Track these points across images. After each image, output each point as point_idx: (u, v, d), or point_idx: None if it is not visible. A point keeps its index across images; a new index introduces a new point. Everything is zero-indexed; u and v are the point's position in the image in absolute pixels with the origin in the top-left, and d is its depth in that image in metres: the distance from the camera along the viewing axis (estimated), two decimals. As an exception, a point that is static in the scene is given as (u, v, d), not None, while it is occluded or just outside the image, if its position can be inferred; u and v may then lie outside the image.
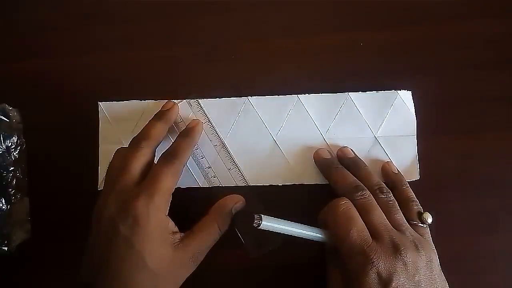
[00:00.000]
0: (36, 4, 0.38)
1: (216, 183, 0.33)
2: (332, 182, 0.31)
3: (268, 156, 0.34)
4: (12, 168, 0.34)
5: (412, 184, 0.32)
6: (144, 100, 0.34)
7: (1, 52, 0.37)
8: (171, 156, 0.29)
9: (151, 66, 0.36)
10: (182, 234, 0.28)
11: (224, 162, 0.33)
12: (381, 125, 0.34)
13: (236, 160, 0.33)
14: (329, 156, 0.33)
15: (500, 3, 0.36)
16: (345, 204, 0.28)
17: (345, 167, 0.32)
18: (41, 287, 0.34)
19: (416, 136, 0.34)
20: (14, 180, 0.34)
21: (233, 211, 0.30)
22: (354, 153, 0.33)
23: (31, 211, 0.35)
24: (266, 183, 0.33)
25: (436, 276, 0.27)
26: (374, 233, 0.27)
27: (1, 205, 0.33)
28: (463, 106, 0.35)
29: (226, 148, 0.34)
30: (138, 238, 0.26)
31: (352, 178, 0.31)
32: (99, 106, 0.34)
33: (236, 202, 0.30)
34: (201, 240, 0.28)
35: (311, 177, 0.33)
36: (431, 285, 0.26)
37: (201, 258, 0.28)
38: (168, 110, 0.32)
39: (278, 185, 0.33)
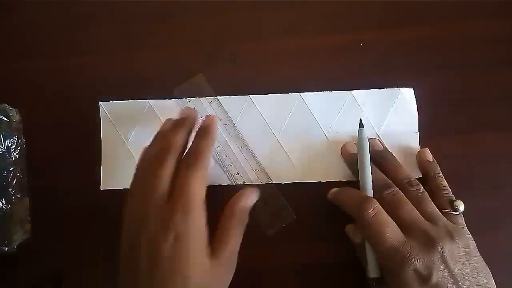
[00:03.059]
0: (36, 4, 0.38)
1: (239, 180, 0.33)
2: (340, 201, 0.31)
3: (272, 153, 0.34)
4: (12, 168, 0.34)
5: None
6: (145, 99, 0.34)
7: (1, 52, 0.37)
8: (194, 159, 0.28)
9: (151, 66, 0.36)
10: (211, 241, 0.27)
11: (247, 160, 0.34)
12: (384, 123, 0.34)
13: (258, 159, 0.34)
14: (356, 151, 0.32)
15: (500, 3, 0.36)
16: (374, 209, 0.28)
17: (372, 160, 0.31)
18: (41, 287, 0.34)
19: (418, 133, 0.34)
20: (14, 180, 0.34)
21: (250, 205, 0.29)
22: (383, 144, 0.33)
23: (31, 211, 0.35)
24: (268, 180, 0.33)
25: (476, 262, 0.27)
26: (407, 230, 0.27)
27: (1, 205, 0.33)
28: (463, 106, 0.35)
29: (247, 147, 0.34)
30: (181, 257, 0.25)
31: (380, 175, 0.30)
32: (100, 106, 0.34)
33: (249, 197, 0.30)
34: (228, 243, 0.28)
35: (315, 175, 0.33)
36: (472, 273, 0.26)
37: (235, 260, 0.28)
38: (187, 116, 0.31)
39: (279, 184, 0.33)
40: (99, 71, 0.36)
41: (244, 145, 0.33)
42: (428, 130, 0.34)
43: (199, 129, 0.30)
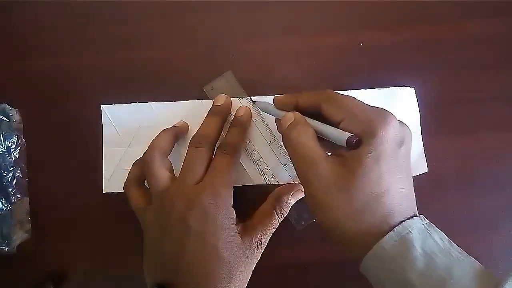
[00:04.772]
0: (36, 4, 0.38)
1: (269, 175, 0.33)
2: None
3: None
4: (12, 168, 0.34)
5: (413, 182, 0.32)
6: (147, 102, 0.34)
7: (1, 52, 0.37)
8: (227, 148, 0.30)
9: (151, 66, 0.36)
10: (243, 223, 0.29)
11: (279, 158, 0.34)
12: None
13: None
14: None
15: (500, 3, 0.36)
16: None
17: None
18: (41, 287, 0.34)
19: (421, 131, 0.34)
20: (14, 180, 0.34)
21: (292, 200, 0.31)
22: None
23: (31, 211, 0.35)
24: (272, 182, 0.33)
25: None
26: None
27: (1, 205, 0.33)
28: (463, 106, 0.35)
29: (276, 141, 0.34)
30: (209, 231, 0.26)
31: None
32: (102, 109, 0.34)
33: (294, 191, 0.31)
34: (263, 226, 0.29)
35: None
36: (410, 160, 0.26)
37: (265, 244, 0.29)
38: (221, 105, 0.32)
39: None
40: (99, 71, 0.36)
41: (273, 140, 0.33)
42: (428, 129, 0.34)
43: (233, 119, 0.32)
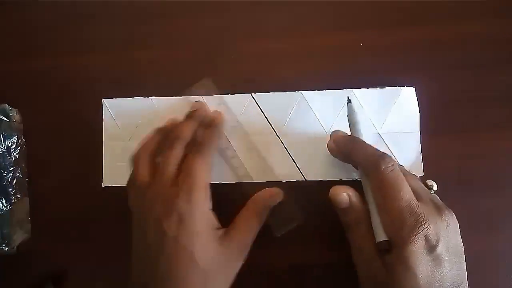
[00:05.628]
0: (36, 4, 0.38)
1: (247, 179, 0.33)
2: (354, 156, 0.28)
3: (270, 150, 0.34)
4: (12, 168, 0.34)
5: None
6: (147, 97, 0.34)
7: (1, 52, 0.37)
8: (200, 147, 0.30)
9: (151, 66, 0.36)
10: (224, 229, 0.29)
11: (256, 161, 0.34)
12: (385, 122, 0.34)
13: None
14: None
15: (500, 3, 0.36)
16: (393, 165, 0.26)
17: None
18: (41, 287, 0.34)
19: (419, 132, 0.34)
20: (14, 180, 0.34)
21: (271, 205, 0.31)
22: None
23: (31, 211, 0.35)
24: (269, 179, 0.33)
25: (460, 239, 0.27)
26: (416, 195, 0.26)
27: (1, 205, 0.33)
28: (463, 106, 0.35)
29: (256, 149, 0.34)
30: (185, 236, 0.26)
31: (371, 147, 0.28)
32: (103, 102, 0.34)
33: (273, 195, 0.31)
34: (244, 233, 0.29)
35: (317, 174, 0.33)
36: (461, 248, 0.26)
37: (246, 252, 0.29)
38: (197, 110, 0.32)
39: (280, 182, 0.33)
40: (99, 71, 0.36)
41: (253, 147, 0.34)
42: (428, 129, 0.34)
43: (208, 121, 0.32)
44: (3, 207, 0.33)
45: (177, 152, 0.29)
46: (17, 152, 0.34)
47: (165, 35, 0.37)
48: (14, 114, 0.35)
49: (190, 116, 0.32)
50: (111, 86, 0.36)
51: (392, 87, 0.34)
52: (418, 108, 0.34)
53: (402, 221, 0.24)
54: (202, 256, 0.26)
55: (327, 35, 0.36)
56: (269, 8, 0.37)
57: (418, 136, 0.34)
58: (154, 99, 0.34)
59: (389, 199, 0.25)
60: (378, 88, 0.34)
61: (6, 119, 0.34)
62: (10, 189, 0.33)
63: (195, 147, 0.30)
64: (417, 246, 0.24)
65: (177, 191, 0.27)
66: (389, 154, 0.33)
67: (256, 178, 0.33)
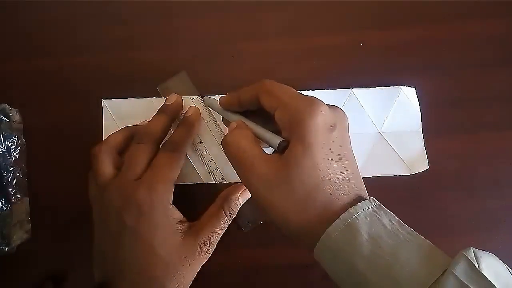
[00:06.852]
0: (36, 4, 0.38)
1: (218, 176, 0.33)
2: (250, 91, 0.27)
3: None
4: (12, 168, 0.34)
5: (411, 184, 0.32)
6: (147, 97, 0.34)
7: (1, 52, 0.37)
8: (170, 145, 0.29)
9: (151, 66, 0.36)
10: (189, 223, 0.28)
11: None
12: (385, 121, 0.34)
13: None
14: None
15: (500, 3, 0.36)
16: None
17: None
18: (41, 287, 0.34)
19: (422, 130, 0.34)
20: (14, 180, 0.34)
21: (241, 200, 0.30)
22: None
23: (31, 211, 0.34)
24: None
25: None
26: None
27: (1, 205, 0.33)
28: (463, 106, 0.35)
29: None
30: (144, 228, 0.26)
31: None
32: (102, 103, 0.34)
33: (241, 191, 0.30)
34: (210, 227, 0.28)
35: None
36: (348, 143, 0.25)
37: (212, 247, 0.28)
38: (171, 104, 0.32)
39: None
40: (99, 71, 0.36)
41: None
42: (428, 129, 0.34)
43: (182, 118, 0.32)
44: (3, 207, 0.33)
45: (146, 147, 0.29)
46: (17, 152, 0.34)
47: (165, 35, 0.37)
48: (14, 114, 0.35)
49: (162, 110, 0.31)
50: (111, 86, 0.36)
51: (393, 87, 0.34)
52: (419, 106, 0.34)
53: (299, 103, 0.23)
54: (162, 248, 0.26)
55: (327, 35, 0.36)
56: (269, 8, 0.37)
57: (420, 134, 0.34)
58: (154, 99, 0.34)
59: (282, 97, 0.24)
60: (378, 87, 0.34)
61: (6, 119, 0.34)
62: (10, 189, 0.33)
63: (166, 145, 0.29)
64: (316, 120, 0.22)
65: (140, 184, 0.27)
66: (392, 153, 0.33)
67: (235, 177, 0.33)
